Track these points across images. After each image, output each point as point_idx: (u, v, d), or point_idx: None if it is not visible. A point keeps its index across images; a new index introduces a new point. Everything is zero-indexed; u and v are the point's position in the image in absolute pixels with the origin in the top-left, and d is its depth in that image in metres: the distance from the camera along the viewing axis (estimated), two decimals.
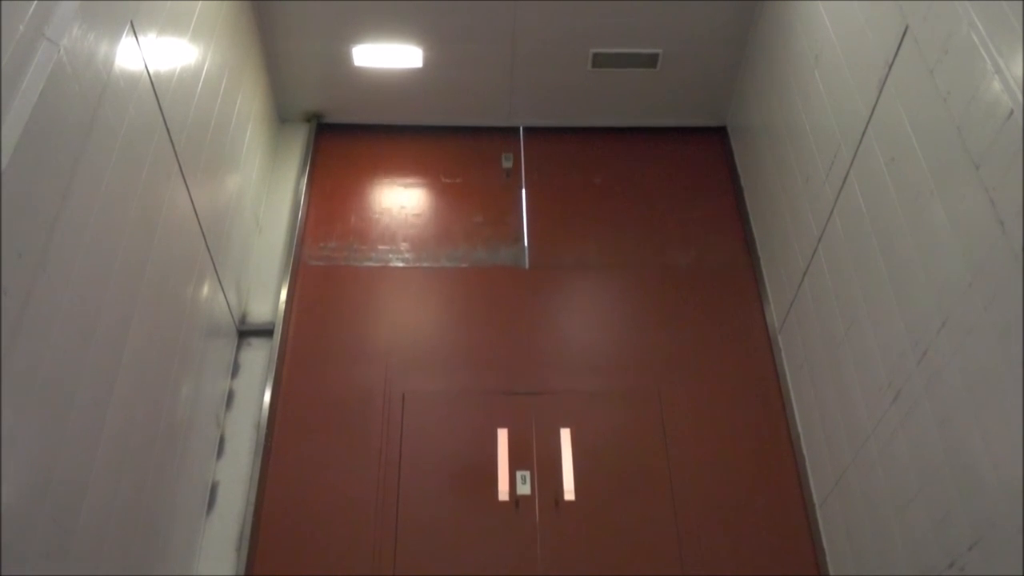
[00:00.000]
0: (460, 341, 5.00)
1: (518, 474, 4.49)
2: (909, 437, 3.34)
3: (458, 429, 4.67)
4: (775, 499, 4.45)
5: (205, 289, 4.27)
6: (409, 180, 5.75)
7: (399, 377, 4.82)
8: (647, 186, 5.74)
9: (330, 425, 4.66)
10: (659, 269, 5.32)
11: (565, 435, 4.60)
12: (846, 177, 3.91)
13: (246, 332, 4.94)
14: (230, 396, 4.70)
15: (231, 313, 4.76)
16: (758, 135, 5.30)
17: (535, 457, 4.55)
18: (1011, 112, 2.64)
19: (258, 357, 4.86)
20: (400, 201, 5.62)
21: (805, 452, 4.45)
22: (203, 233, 4.18)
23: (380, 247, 5.37)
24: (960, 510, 2.96)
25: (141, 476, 3.47)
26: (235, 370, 4.80)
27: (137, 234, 3.34)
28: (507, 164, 5.77)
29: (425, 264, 5.31)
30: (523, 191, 5.70)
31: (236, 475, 4.44)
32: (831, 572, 4.10)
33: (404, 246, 5.39)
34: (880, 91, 3.56)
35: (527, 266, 5.33)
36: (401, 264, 5.30)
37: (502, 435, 4.59)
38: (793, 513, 4.39)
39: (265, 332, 4.94)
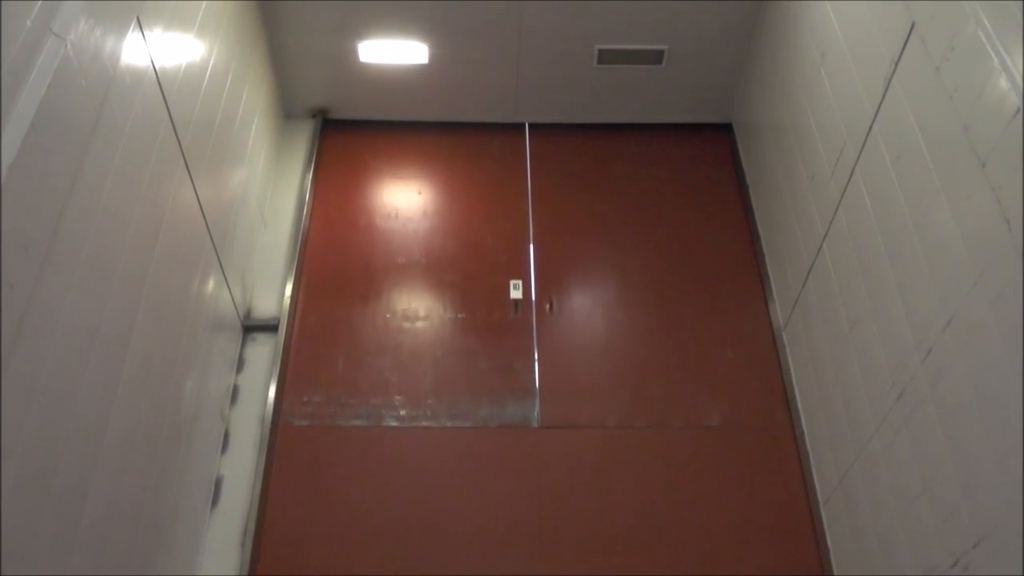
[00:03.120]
0: (462, 519, 4.37)
1: None
2: (913, 435, 3.33)
3: None
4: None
5: (210, 284, 4.28)
6: (407, 316, 5.07)
7: (392, 567, 4.21)
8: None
9: None
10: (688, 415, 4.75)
11: None
12: (851, 174, 3.91)
13: (251, 327, 4.95)
14: (235, 391, 4.71)
15: (236, 308, 4.77)
16: (763, 132, 5.29)
17: None
18: (1017, 110, 2.63)
19: (263, 352, 4.87)
20: (395, 341, 4.96)
21: (809, 450, 4.45)
22: (208, 228, 4.18)
23: (372, 400, 4.72)
24: (964, 509, 2.96)
25: (145, 470, 3.48)
26: (240, 365, 4.81)
27: (142, 229, 3.35)
28: (516, 294, 5.12)
29: (423, 423, 4.67)
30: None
31: (240, 470, 4.45)
32: (834, 570, 4.10)
33: (399, 399, 4.74)
34: (886, 89, 3.55)
35: (537, 424, 4.71)
36: (395, 423, 4.66)
37: None
38: (797, 511, 4.39)
39: (270, 327, 4.94)
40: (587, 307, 5.20)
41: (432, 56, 5.48)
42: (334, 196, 5.64)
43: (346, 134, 5.93)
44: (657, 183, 5.73)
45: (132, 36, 3.21)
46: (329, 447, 4.58)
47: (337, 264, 5.27)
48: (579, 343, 5.04)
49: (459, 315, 5.08)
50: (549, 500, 4.43)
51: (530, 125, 6.00)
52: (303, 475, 4.48)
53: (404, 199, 5.58)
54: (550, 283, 5.23)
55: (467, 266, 5.30)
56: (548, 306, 5.12)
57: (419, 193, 5.64)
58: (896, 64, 3.45)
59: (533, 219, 5.51)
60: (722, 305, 5.16)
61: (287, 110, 5.88)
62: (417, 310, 5.10)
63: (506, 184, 5.71)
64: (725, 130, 6.00)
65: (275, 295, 5.10)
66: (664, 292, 5.20)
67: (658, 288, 5.22)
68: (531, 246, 5.11)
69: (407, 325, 5.03)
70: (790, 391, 4.69)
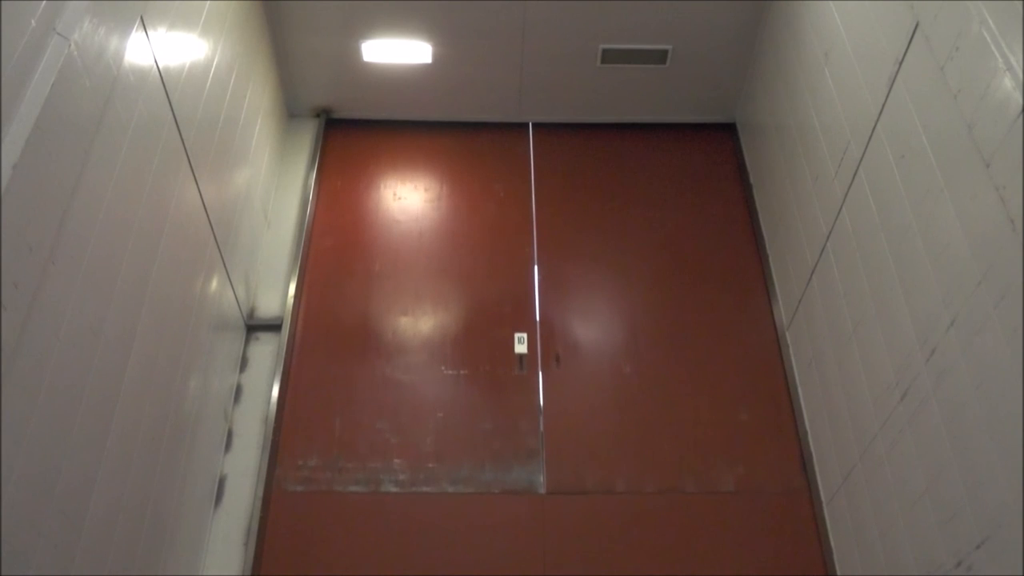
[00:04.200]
0: None
1: None
2: (917, 436, 3.33)
3: None
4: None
5: (214, 283, 4.29)
6: (407, 371, 4.83)
7: None
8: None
9: None
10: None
11: None
12: (855, 174, 3.90)
13: (254, 327, 4.95)
14: (238, 390, 4.72)
15: (239, 307, 4.77)
16: (767, 132, 5.29)
17: None
18: (1022, 110, 2.63)
19: (266, 351, 4.87)
20: (395, 401, 4.72)
21: (813, 449, 4.45)
22: (212, 227, 4.19)
23: (370, 465, 4.48)
24: (967, 509, 2.96)
25: (149, 469, 3.49)
26: (243, 364, 4.82)
27: (146, 228, 3.36)
28: (520, 348, 4.85)
29: (424, 489, 4.43)
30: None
31: (244, 469, 4.46)
32: (838, 570, 4.09)
33: (398, 463, 4.50)
34: (890, 88, 3.54)
35: (543, 489, 4.46)
36: (395, 489, 4.43)
37: None
38: (800, 511, 4.38)
39: (273, 327, 4.95)
40: (592, 347, 4.99)
41: (435, 55, 5.48)
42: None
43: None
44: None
45: (136, 36, 3.22)
46: (325, 515, 4.35)
47: (334, 314, 5.02)
48: (586, 399, 4.78)
49: (461, 371, 4.83)
50: (556, 571, 4.22)
51: (534, 125, 6.00)
52: (298, 544, 4.27)
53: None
54: (555, 321, 5.04)
55: (470, 317, 5.05)
56: (554, 360, 4.88)
57: (420, 236, 5.41)
58: (900, 64, 3.45)
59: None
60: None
61: (291, 109, 5.88)
62: (418, 365, 4.86)
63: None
64: (729, 130, 5.99)
65: (278, 294, 5.10)
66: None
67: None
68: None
69: (407, 381, 4.80)
70: (793, 391, 4.69)
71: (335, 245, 5.39)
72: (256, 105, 5.01)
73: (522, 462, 4.55)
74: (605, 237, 5.46)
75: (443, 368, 4.86)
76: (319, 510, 4.37)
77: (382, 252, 5.33)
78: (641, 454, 4.58)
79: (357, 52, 5.46)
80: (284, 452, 4.53)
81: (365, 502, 4.40)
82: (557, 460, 4.56)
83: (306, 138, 5.84)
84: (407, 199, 5.63)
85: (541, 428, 4.66)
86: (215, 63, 4.20)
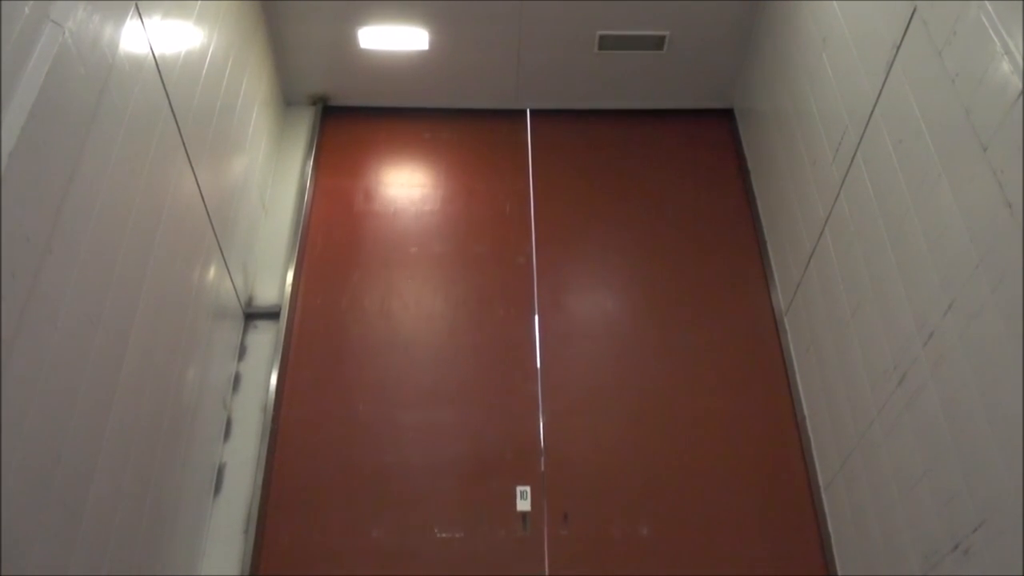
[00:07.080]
0: None
1: None
2: (914, 419, 3.34)
3: None
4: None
5: (211, 272, 4.28)
6: (397, 536, 4.22)
7: None
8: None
9: None
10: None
11: None
12: (853, 159, 3.90)
13: (252, 315, 4.95)
14: (237, 379, 4.72)
15: (237, 296, 4.77)
16: (765, 117, 5.28)
17: None
18: (1020, 93, 2.62)
19: (265, 340, 4.87)
20: (383, 572, 4.10)
21: (811, 434, 4.46)
22: (209, 216, 4.18)
23: None
24: (965, 492, 2.97)
25: (148, 459, 3.49)
26: (242, 353, 4.82)
27: (143, 217, 3.35)
28: (523, 505, 4.25)
29: None
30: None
31: (243, 457, 4.46)
32: (836, 553, 4.11)
33: None
34: (887, 73, 3.54)
35: None
36: None
37: None
38: (798, 495, 4.39)
39: (271, 315, 4.95)
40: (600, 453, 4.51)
41: (432, 42, 5.46)
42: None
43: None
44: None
45: (131, 23, 3.20)
46: None
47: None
48: (597, 566, 4.17)
49: (456, 535, 4.22)
50: None
51: (531, 111, 5.98)
52: None
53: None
54: (562, 457, 4.47)
55: (467, 468, 4.44)
56: (563, 518, 4.26)
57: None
58: (898, 48, 3.44)
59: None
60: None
61: (287, 97, 5.86)
62: (408, 527, 4.25)
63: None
64: (726, 115, 5.97)
65: (276, 282, 5.10)
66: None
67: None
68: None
69: (396, 548, 4.19)
70: (791, 376, 4.69)
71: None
72: (252, 93, 4.99)
73: None
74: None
75: (436, 531, 4.25)
76: None
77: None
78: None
79: (354, 39, 5.44)
80: None
81: None
82: None
83: (303, 126, 5.82)
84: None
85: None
86: (211, 51, 4.19)
